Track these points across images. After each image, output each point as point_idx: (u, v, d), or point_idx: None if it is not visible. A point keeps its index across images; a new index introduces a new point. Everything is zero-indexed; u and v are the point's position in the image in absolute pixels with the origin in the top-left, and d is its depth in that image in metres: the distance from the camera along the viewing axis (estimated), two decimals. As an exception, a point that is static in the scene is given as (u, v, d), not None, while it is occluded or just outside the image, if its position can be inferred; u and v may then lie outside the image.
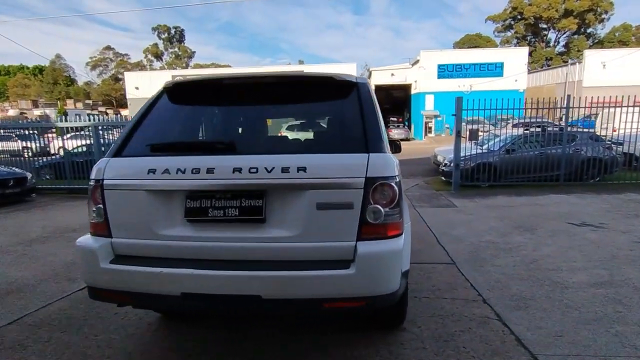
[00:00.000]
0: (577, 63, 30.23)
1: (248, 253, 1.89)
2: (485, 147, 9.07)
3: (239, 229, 1.91)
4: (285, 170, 1.85)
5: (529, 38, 51.96)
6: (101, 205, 1.99)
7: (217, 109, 2.63)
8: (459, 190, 8.24)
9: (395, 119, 34.64)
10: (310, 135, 2.57)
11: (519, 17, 49.80)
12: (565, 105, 8.55)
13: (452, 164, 8.55)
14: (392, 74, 34.02)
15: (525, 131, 9.05)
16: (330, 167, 1.85)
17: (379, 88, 31.98)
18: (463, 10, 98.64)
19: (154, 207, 1.94)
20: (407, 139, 28.08)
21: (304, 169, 1.84)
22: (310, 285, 1.78)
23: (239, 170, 1.87)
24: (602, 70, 28.02)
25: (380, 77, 33.97)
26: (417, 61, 31.15)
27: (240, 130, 2.64)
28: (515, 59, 29.78)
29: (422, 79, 30.59)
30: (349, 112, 2.09)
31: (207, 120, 2.63)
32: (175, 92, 2.33)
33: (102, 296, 2.01)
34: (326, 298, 1.79)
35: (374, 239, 1.84)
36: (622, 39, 47.85)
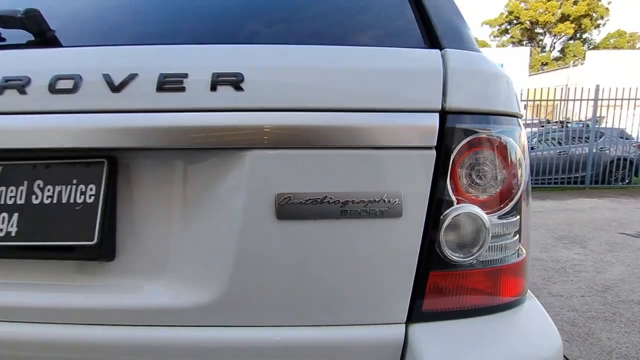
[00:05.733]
0: (580, 64, 29.53)
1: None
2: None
3: (32, 282, 0.66)
4: (171, 82, 0.59)
5: (524, 43, 51.55)
6: None
7: None
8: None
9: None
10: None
11: (515, 21, 49.42)
12: (593, 97, 7.57)
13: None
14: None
15: (545, 126, 8.05)
16: (323, 78, 0.62)
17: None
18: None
19: None
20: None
21: (234, 81, 0.59)
22: None
23: (21, 84, 0.61)
24: (603, 73, 27.42)
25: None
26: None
27: None
28: (515, 60, 29.01)
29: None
30: None
31: None
32: None
33: None
34: None
35: (462, 313, 0.65)
36: (616, 45, 47.61)
